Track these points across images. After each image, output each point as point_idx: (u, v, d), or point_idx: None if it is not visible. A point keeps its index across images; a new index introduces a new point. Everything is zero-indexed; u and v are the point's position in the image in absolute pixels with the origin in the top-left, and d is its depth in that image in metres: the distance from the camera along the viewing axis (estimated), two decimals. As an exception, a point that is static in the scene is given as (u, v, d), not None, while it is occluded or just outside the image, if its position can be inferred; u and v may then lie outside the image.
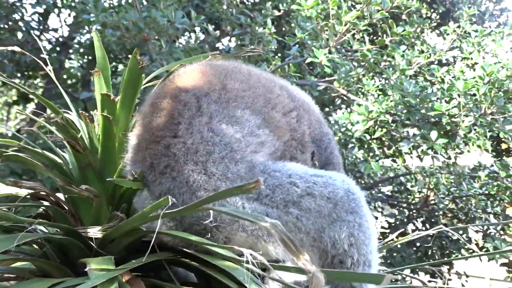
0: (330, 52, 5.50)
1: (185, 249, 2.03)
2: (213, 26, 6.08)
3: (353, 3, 7.20)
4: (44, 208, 2.36)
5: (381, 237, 7.43)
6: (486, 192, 6.25)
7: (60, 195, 2.38)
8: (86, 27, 6.32)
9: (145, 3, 6.14)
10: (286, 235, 1.46)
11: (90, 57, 6.90)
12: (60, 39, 7.43)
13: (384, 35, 6.52)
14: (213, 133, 2.17)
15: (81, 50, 7.00)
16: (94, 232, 2.07)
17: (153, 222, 1.98)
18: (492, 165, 6.52)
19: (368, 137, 5.97)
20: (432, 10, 8.46)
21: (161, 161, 2.16)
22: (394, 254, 6.71)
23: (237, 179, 2.12)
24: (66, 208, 2.28)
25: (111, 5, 5.90)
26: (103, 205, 2.21)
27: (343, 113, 6.11)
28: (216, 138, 2.16)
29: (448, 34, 6.53)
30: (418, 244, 7.13)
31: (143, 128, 2.25)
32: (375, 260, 2.26)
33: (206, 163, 2.12)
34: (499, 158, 6.58)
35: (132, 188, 2.24)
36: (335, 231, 2.15)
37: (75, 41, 7.20)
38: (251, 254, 1.61)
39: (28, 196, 2.31)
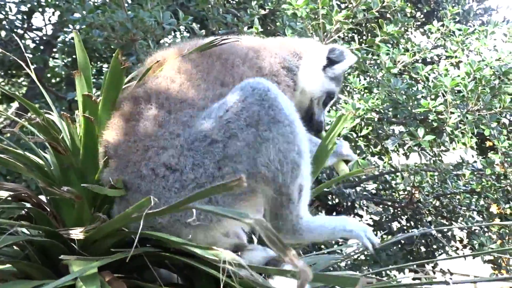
0: (319, 52, 5.49)
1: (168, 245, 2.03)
2: (198, 25, 6.05)
3: (339, 3, 7.20)
4: (26, 209, 2.34)
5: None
6: (471, 189, 6.27)
7: (42, 197, 2.36)
8: (71, 26, 6.28)
9: (130, 1, 6.11)
10: (272, 232, 1.45)
11: (74, 56, 6.86)
12: (44, 38, 7.39)
13: (370, 35, 6.53)
14: (158, 127, 2.21)
15: (66, 49, 6.97)
16: (76, 233, 2.05)
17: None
18: (475, 161, 6.54)
19: (354, 135, 5.97)
20: (416, 9, 8.48)
21: (112, 160, 2.24)
22: (380, 252, 6.71)
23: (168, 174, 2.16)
24: (48, 209, 2.26)
25: (96, 4, 5.86)
26: (85, 207, 2.19)
27: (328, 111, 6.11)
28: (160, 130, 2.20)
29: (432, 33, 6.55)
30: (403, 242, 7.14)
31: (108, 126, 2.32)
32: (305, 161, 2.23)
33: (141, 161, 2.18)
34: (484, 156, 6.60)
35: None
36: (264, 155, 2.13)
37: (59, 40, 7.16)
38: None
39: (10, 198, 2.28)
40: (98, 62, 7.05)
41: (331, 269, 3.05)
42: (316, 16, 5.58)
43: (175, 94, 2.27)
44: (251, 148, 2.12)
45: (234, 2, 7.51)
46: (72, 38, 6.75)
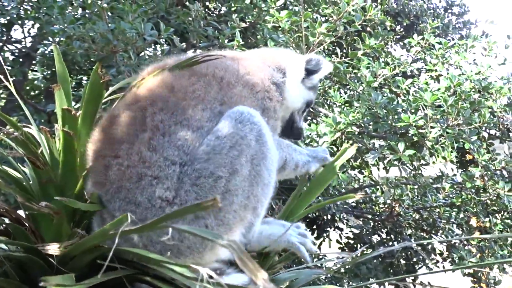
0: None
1: (147, 265, 2.00)
2: (178, 38, 6.05)
3: (319, 16, 7.24)
4: (4, 225, 2.32)
5: (346, 248, 7.46)
6: (450, 203, 6.31)
7: (21, 212, 2.33)
8: (51, 38, 6.25)
9: (110, 13, 6.08)
10: (244, 253, 1.45)
11: (54, 69, 6.80)
12: (23, 50, 7.34)
13: (350, 48, 6.56)
14: (152, 152, 2.16)
15: (45, 61, 6.92)
16: (55, 249, 2.03)
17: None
18: (454, 175, 6.59)
19: (335, 148, 5.99)
20: (396, 23, 8.55)
21: (101, 181, 2.18)
22: (360, 266, 6.72)
23: (164, 206, 2.13)
24: (27, 225, 2.23)
25: (76, 16, 5.82)
26: (64, 222, 2.17)
27: (309, 124, 6.13)
28: (155, 156, 2.15)
29: (412, 46, 6.60)
30: (383, 255, 7.15)
31: (94, 141, 2.27)
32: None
33: (135, 189, 2.12)
34: (464, 170, 6.64)
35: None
36: (255, 188, 2.25)
37: (39, 52, 7.11)
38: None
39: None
40: (78, 75, 7.01)
41: (311, 283, 3.04)
42: (298, 29, 5.60)
43: (169, 115, 2.23)
44: (246, 182, 2.21)
45: (215, 15, 7.53)
46: (52, 51, 6.73)
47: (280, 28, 5.64)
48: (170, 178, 2.14)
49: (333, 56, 6.24)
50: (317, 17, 5.72)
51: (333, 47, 7.31)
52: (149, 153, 2.14)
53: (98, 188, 2.17)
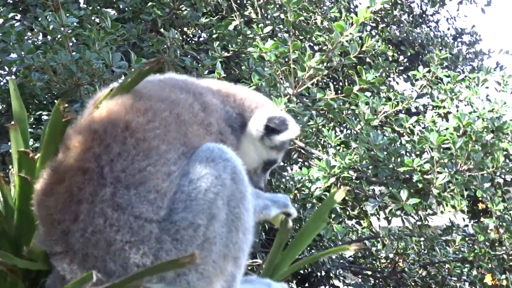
0: (289, 101, 5.48)
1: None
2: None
3: (312, 44, 7.31)
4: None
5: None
6: (462, 257, 6.31)
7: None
8: (7, 68, 6.26)
9: (75, 41, 6.10)
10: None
11: (9, 102, 6.81)
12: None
13: (347, 80, 6.62)
14: (119, 211, 2.06)
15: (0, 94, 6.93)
16: (8, 311, 2.04)
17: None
18: (466, 226, 6.61)
19: (329, 196, 5.99)
20: (399, 53, 8.61)
21: (60, 250, 2.09)
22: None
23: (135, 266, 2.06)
24: (-24, 283, 2.24)
25: (36, 44, 5.84)
26: (19, 280, 2.17)
27: (300, 168, 6.15)
28: (123, 216, 2.06)
29: (417, 80, 6.63)
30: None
31: (41, 201, 2.15)
32: None
33: (105, 256, 2.04)
34: (476, 220, 6.67)
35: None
36: (234, 234, 2.24)
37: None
38: None
39: None
40: (37, 110, 7.01)
41: None
42: (286, 61, 5.62)
43: (130, 160, 2.13)
44: (225, 227, 2.19)
45: (193, 42, 7.58)
46: (8, 82, 6.74)
47: (267, 60, 5.64)
48: (146, 241, 2.07)
49: (326, 90, 6.28)
50: (306, 47, 5.71)
51: (327, 80, 7.38)
52: (116, 214, 2.05)
53: (59, 260, 2.08)
